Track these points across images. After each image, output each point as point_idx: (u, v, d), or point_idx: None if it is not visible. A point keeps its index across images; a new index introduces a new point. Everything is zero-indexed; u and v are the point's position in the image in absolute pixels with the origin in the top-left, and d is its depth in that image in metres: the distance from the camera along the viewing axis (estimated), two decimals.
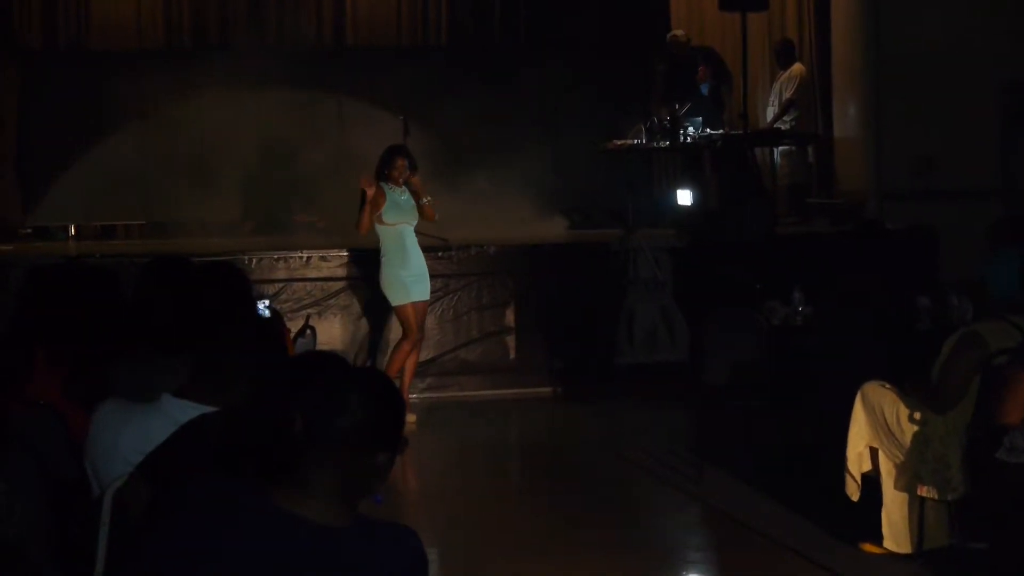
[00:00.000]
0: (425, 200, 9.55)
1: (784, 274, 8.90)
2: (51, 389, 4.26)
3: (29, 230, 13.90)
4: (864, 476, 6.35)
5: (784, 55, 13.88)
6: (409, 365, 9.54)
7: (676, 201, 12.24)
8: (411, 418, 9.34)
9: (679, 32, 13.77)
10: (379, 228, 9.47)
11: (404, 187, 9.52)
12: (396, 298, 9.48)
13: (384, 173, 9.53)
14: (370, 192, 9.44)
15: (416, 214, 9.54)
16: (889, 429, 6.17)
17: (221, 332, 3.77)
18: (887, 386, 6.27)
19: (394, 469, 2.87)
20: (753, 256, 10.61)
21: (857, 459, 6.33)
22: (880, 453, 6.26)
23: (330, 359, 2.96)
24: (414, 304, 9.48)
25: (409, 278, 9.47)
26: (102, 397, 3.94)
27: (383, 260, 9.52)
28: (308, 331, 5.55)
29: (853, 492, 6.36)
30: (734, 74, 13.63)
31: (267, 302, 6.78)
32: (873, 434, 6.27)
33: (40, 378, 4.29)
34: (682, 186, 12.47)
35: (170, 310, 4.23)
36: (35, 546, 3.57)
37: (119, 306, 4.83)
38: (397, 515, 3.41)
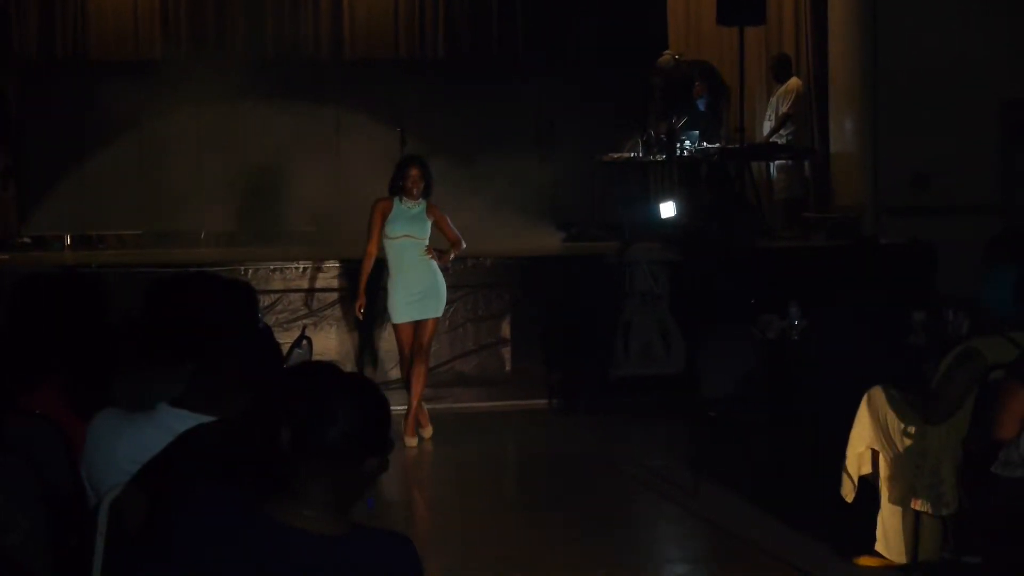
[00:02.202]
0: (452, 253, 9.30)
1: (780, 288, 8.91)
2: (49, 399, 4.25)
3: (25, 240, 13.89)
4: (862, 480, 6.36)
5: (781, 69, 13.91)
6: (419, 380, 9.30)
7: (659, 214, 12.18)
8: (411, 442, 9.24)
9: (665, 58, 13.81)
10: (384, 241, 9.23)
11: (419, 200, 9.18)
12: (393, 316, 9.32)
13: (398, 185, 9.22)
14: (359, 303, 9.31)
15: (425, 230, 9.19)
16: (890, 436, 6.18)
17: (220, 343, 3.77)
18: (893, 392, 6.27)
19: (390, 480, 2.88)
20: (749, 269, 10.63)
21: (856, 460, 6.34)
22: (880, 457, 6.27)
23: (316, 370, 2.96)
24: (412, 324, 9.22)
25: (410, 297, 9.18)
26: (101, 407, 3.94)
27: (387, 276, 9.31)
28: (304, 342, 5.54)
29: (848, 493, 6.36)
30: (731, 88, 13.66)
31: (260, 315, 6.77)
32: (874, 437, 6.27)
33: (39, 388, 4.28)
34: (666, 199, 12.43)
35: (174, 322, 4.23)
36: (35, 556, 3.56)
37: (113, 316, 4.83)
38: (393, 525, 3.39)
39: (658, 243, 10.94)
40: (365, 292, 9.31)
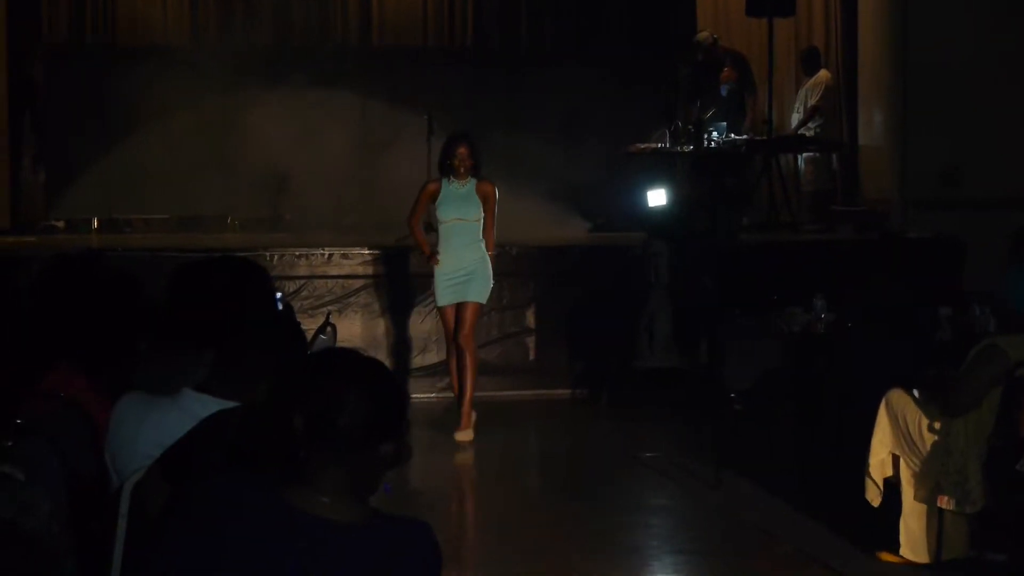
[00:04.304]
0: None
1: (806, 281, 8.87)
2: (75, 382, 4.26)
3: (53, 223, 13.96)
4: (885, 482, 6.33)
5: (810, 62, 13.87)
6: (465, 373, 8.94)
7: (647, 202, 11.94)
8: (464, 436, 9.00)
9: (703, 35, 13.74)
10: (437, 224, 9.08)
11: (468, 179, 8.91)
12: (437, 299, 9.13)
13: (446, 164, 8.95)
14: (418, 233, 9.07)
15: (476, 211, 8.92)
16: (911, 438, 6.15)
17: (243, 327, 3.77)
18: (913, 393, 6.25)
19: (412, 468, 2.87)
20: (774, 262, 10.61)
21: (879, 465, 6.32)
22: (901, 461, 6.25)
23: (330, 357, 2.96)
24: (453, 307, 8.97)
25: (452, 279, 8.94)
26: (124, 388, 3.95)
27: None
28: (328, 328, 5.53)
29: (874, 498, 6.34)
30: (759, 82, 13.59)
31: (280, 295, 6.75)
32: (895, 441, 6.25)
33: (64, 371, 4.29)
34: (656, 187, 12.25)
35: (196, 306, 4.23)
36: (57, 540, 3.57)
37: (140, 300, 4.83)
38: (413, 513, 3.36)
39: (645, 232, 10.87)
40: (427, 244, 9.08)
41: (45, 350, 4.34)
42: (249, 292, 4.43)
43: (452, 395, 9.34)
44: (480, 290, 9.01)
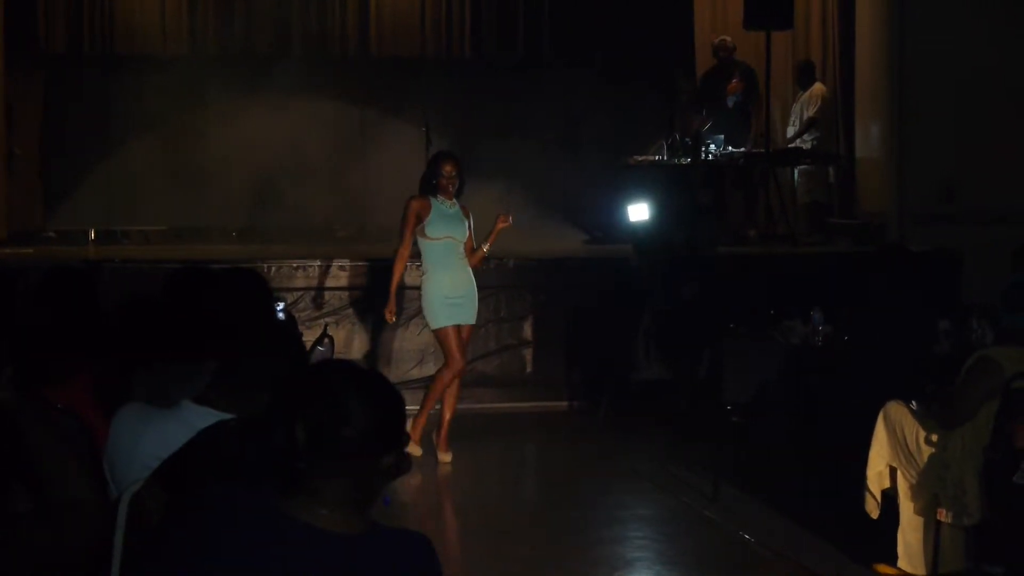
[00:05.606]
0: (484, 248, 8.83)
1: (804, 293, 8.87)
2: (78, 394, 4.26)
3: (50, 234, 13.95)
4: (883, 494, 6.34)
5: (805, 75, 13.89)
6: (449, 396, 8.88)
7: (628, 217, 11.85)
8: (445, 458, 8.83)
9: (727, 37, 13.75)
10: (421, 243, 8.70)
11: (455, 200, 8.70)
12: (435, 321, 8.72)
13: (432, 183, 8.69)
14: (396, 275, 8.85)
15: (464, 231, 8.72)
16: (908, 450, 6.16)
17: (241, 339, 3.77)
18: (911, 405, 6.25)
19: (410, 480, 2.87)
20: (772, 275, 10.61)
21: (877, 477, 6.33)
22: (899, 473, 6.25)
23: (331, 368, 2.96)
24: (456, 328, 8.74)
25: (451, 300, 8.67)
26: (126, 401, 3.95)
27: (423, 278, 8.78)
28: (326, 340, 5.53)
29: (873, 510, 6.35)
30: (762, 96, 13.61)
31: (282, 305, 6.75)
32: (893, 454, 6.26)
33: (66, 383, 4.29)
34: (637, 202, 12.21)
35: (193, 317, 4.23)
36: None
37: (137, 312, 4.83)
38: (412, 525, 3.35)
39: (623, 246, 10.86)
40: (396, 296, 8.91)
41: (42, 360, 4.35)
42: (244, 302, 4.43)
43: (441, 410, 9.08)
44: (474, 312, 8.89)
